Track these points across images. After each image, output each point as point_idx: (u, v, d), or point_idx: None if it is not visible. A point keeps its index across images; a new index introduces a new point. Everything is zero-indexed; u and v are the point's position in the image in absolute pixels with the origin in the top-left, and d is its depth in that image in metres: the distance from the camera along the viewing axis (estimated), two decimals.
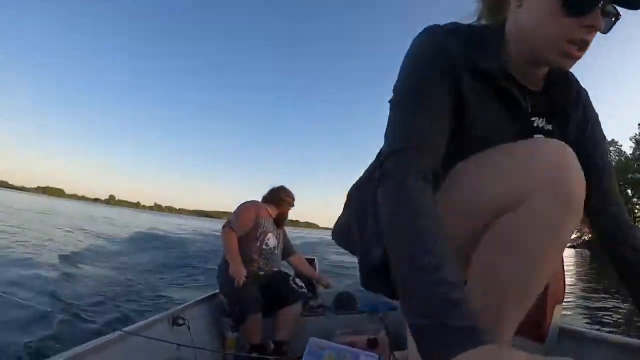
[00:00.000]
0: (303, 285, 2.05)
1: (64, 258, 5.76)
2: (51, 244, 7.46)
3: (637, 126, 44.95)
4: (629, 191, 42.10)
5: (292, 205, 2.34)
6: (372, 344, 1.92)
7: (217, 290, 2.17)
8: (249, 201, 2.25)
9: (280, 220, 2.28)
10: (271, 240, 2.18)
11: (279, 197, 2.28)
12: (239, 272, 1.85)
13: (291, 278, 2.07)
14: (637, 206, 42.04)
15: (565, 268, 1.09)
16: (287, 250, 2.37)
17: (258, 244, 2.12)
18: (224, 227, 2.08)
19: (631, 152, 43.75)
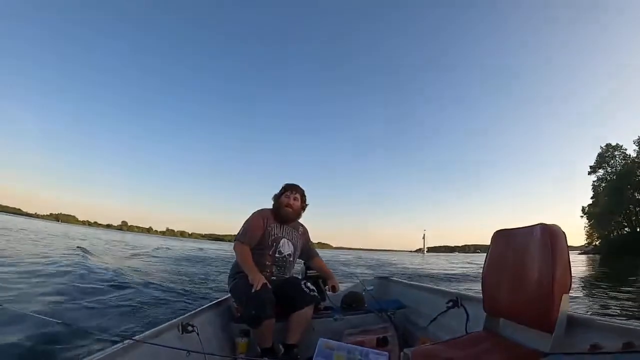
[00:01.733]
0: (314, 288, 2.02)
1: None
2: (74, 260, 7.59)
3: None
4: (637, 194, 39.82)
5: (290, 194, 2.18)
6: (381, 343, 1.92)
7: (225, 297, 2.17)
8: (256, 211, 2.19)
9: (281, 217, 2.15)
10: (285, 247, 2.12)
11: (277, 195, 2.23)
12: (258, 280, 1.79)
13: (303, 282, 2.04)
14: None
15: (571, 260, 1.09)
16: (309, 253, 2.34)
17: (271, 252, 2.07)
18: (235, 242, 2.05)
19: (635, 154, 41.51)
